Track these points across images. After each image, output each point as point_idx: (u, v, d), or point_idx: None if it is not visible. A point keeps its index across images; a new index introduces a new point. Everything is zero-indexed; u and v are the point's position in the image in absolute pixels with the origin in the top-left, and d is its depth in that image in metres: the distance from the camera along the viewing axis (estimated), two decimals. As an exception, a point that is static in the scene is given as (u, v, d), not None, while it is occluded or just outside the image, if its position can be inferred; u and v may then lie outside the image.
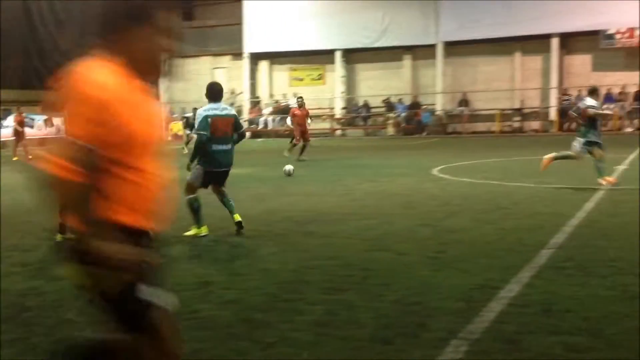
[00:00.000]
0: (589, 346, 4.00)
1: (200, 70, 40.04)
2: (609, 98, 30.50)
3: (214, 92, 7.86)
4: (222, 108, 7.89)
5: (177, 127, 38.34)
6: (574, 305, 4.77)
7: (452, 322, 4.46)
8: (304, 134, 19.03)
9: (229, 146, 7.87)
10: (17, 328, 4.61)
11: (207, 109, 7.76)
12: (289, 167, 14.67)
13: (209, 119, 7.61)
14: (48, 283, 5.79)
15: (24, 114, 24.54)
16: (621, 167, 13.76)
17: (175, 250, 7.07)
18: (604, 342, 4.06)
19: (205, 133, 7.61)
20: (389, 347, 4.11)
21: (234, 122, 7.90)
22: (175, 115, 39.35)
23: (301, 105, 19.72)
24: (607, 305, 4.74)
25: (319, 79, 37.60)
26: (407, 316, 4.67)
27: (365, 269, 6.05)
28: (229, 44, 39.01)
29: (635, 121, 30.48)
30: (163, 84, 40.17)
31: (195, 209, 7.67)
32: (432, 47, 33.85)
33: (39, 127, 33.75)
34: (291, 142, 19.55)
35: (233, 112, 8.05)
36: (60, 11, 35.69)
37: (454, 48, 33.67)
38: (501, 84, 33.03)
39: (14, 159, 21.67)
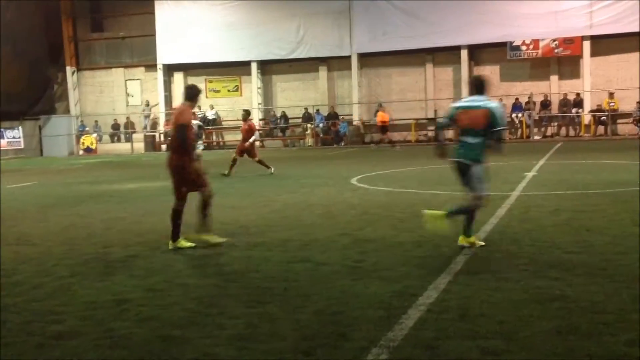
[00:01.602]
0: (505, 349, 4.11)
1: (113, 82, 39.11)
2: (516, 107, 31.77)
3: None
4: (473, 100, 7.11)
5: (90, 140, 37.30)
6: (489, 309, 4.90)
7: (372, 331, 4.50)
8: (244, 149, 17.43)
9: (473, 139, 6.94)
10: None
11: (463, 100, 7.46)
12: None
13: (456, 110, 7.14)
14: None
15: None
16: (530, 174, 14.33)
17: (88, 268, 6.86)
18: (519, 344, 4.19)
19: (445, 120, 7.28)
20: (311, 358, 4.11)
21: (488, 116, 6.89)
22: (87, 129, 38.26)
23: (245, 118, 17.81)
24: (520, 309, 4.89)
25: (236, 91, 37.41)
26: (328, 326, 4.67)
27: (286, 281, 6.04)
28: (142, 55, 38.28)
29: (542, 129, 31.88)
30: (75, 98, 39.03)
31: None
32: (347, 58, 34.34)
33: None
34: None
35: (489, 105, 6.96)
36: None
37: (368, 59, 34.30)
38: (415, 94, 33.87)
39: None
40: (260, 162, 17.24)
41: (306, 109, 35.02)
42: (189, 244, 7.73)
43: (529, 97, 31.51)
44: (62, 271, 6.78)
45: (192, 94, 8.02)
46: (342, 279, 6.02)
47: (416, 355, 4.07)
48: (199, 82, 37.72)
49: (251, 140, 17.45)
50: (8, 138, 35.87)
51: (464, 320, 4.68)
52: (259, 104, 36.23)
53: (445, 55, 33.11)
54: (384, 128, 29.67)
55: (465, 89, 33.17)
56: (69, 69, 39.07)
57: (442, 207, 10.07)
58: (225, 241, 7.89)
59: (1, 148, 34.64)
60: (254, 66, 35.81)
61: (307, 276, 6.19)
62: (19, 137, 36.54)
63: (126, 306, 5.37)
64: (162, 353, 4.27)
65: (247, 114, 18.15)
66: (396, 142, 29.30)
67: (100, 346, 4.44)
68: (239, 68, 36.32)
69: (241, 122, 18.22)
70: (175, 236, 7.77)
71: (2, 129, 35.37)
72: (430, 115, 33.58)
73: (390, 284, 5.73)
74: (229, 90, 37.55)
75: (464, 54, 32.74)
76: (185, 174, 7.68)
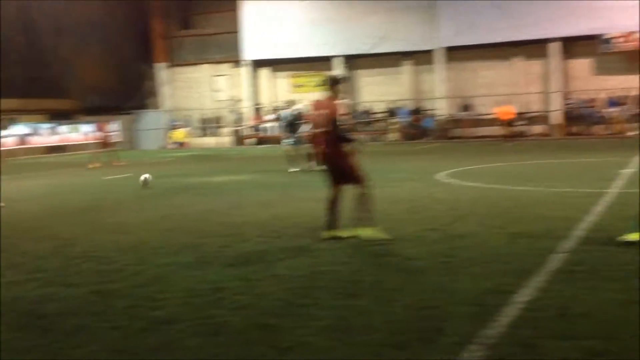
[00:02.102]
0: (606, 350, 4.00)
1: (200, 79, 40.14)
2: (611, 102, 30.56)
3: None
4: None
5: (180, 134, 38.43)
6: (588, 309, 4.77)
7: (467, 327, 4.46)
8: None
9: None
10: (35, 335, 4.63)
11: None
12: (145, 177, 14.56)
13: None
14: (64, 290, 5.83)
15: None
16: (627, 171, 13.77)
17: (183, 257, 7.09)
18: (620, 345, 4.06)
19: None
20: (405, 352, 4.11)
21: None
22: (178, 123, 39.42)
23: None
24: (620, 309, 4.74)
25: (321, 86, 37.62)
26: (421, 321, 4.66)
27: (376, 274, 6.06)
28: (228, 51, 39.08)
29: (637, 124, 30.56)
30: (166, 93, 40.30)
31: None
32: (432, 52, 33.95)
33: (44, 135, 34.07)
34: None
35: None
36: (59, 20, 35.79)
37: (453, 53, 33.78)
38: (503, 89, 33.12)
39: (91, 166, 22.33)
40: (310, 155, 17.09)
41: (390, 103, 34.88)
42: (345, 234, 7.64)
43: (623, 92, 30.24)
44: (159, 259, 7.04)
45: (334, 83, 7.92)
46: (432, 274, 5.99)
47: (514, 353, 4.01)
48: (284, 77, 38.27)
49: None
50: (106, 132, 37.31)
51: (563, 319, 4.57)
52: (343, 98, 36.28)
53: (534, 48, 32.24)
54: (510, 122, 29.05)
55: (555, 82, 32.27)
56: (160, 65, 40.38)
57: (532, 204, 9.84)
58: (389, 238, 7.55)
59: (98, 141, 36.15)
60: (338, 61, 35.93)
61: (397, 270, 6.19)
62: (116, 131, 38.05)
63: (222, 294, 5.53)
64: (259, 341, 4.38)
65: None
66: (512, 137, 28.65)
67: (199, 332, 4.59)
68: (323, 63, 36.49)
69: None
70: (330, 225, 7.68)
71: (100, 123, 36.81)
72: (519, 109, 32.79)
73: (483, 280, 5.66)
74: (313, 86, 37.84)
75: (554, 46, 31.79)
76: (340, 165, 7.57)
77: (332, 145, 7.54)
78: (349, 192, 7.80)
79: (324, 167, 7.79)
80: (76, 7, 36.03)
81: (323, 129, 7.61)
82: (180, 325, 4.75)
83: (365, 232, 7.59)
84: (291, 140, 17.28)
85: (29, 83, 34.02)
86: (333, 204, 7.72)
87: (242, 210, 10.65)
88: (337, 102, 7.73)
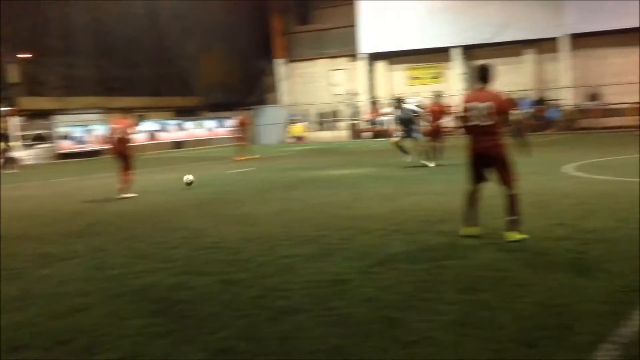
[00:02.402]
0: None
1: (317, 73, 40.67)
2: None
3: None
4: None
5: (298, 128, 39.13)
6: None
7: (600, 326, 4.27)
8: (436, 133, 16.65)
9: None
10: (169, 321, 4.88)
11: None
12: (188, 177, 14.55)
13: None
14: (195, 278, 6.11)
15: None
16: None
17: (306, 249, 7.23)
18: None
19: None
20: (534, 350, 3.99)
21: None
22: (296, 118, 40.16)
23: (435, 100, 17.33)
24: None
25: (438, 77, 37.13)
26: (550, 318, 4.51)
27: (500, 269, 5.91)
28: (345, 45, 39.34)
29: None
30: (284, 88, 41.15)
31: None
32: (555, 40, 32.58)
33: (171, 130, 35.87)
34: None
35: None
36: (185, 19, 37.41)
37: (580, 40, 32.25)
38: (633, 77, 31.24)
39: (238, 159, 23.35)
40: (435, 148, 16.38)
41: (512, 94, 33.81)
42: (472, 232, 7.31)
43: None
44: (283, 251, 7.21)
45: (486, 73, 7.34)
46: (561, 270, 5.76)
47: (652, 354, 3.80)
48: (401, 70, 38.04)
49: (441, 122, 16.57)
50: (227, 127, 38.80)
51: None
52: (463, 89, 35.62)
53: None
54: None
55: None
56: (279, 61, 41.28)
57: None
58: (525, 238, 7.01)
59: (222, 136, 37.69)
60: (456, 52, 35.27)
61: (524, 266, 6.01)
62: (237, 127, 39.34)
63: (344, 286, 5.59)
64: (382, 334, 4.39)
65: (437, 95, 17.57)
66: None
67: (323, 323, 4.67)
68: (440, 55, 36.00)
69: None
70: (469, 221, 7.38)
71: (222, 119, 38.37)
72: (652, 98, 30.92)
73: (616, 278, 5.38)
74: (431, 78, 37.38)
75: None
76: (496, 163, 7.13)
77: (493, 140, 7.06)
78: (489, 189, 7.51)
79: (473, 162, 7.28)
80: (201, 7, 37.52)
81: (486, 123, 7.04)
82: (304, 315, 4.85)
83: (513, 235, 6.99)
84: (406, 134, 16.95)
85: (158, 81, 35.87)
86: (473, 200, 7.39)
87: (361, 203, 10.71)
88: (498, 93, 7.24)
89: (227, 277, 6.12)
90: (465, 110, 7.21)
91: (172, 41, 36.62)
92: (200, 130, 37.69)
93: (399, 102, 17.56)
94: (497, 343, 4.12)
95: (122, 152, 13.23)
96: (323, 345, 4.22)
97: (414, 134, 16.91)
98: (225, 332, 4.55)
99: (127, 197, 12.91)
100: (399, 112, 17.28)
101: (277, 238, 7.99)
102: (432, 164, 16.28)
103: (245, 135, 25.24)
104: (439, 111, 16.85)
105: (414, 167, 16.40)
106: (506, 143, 7.20)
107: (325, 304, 5.11)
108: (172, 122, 36.64)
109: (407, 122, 16.91)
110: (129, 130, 13.40)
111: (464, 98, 7.38)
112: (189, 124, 37.09)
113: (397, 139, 17.22)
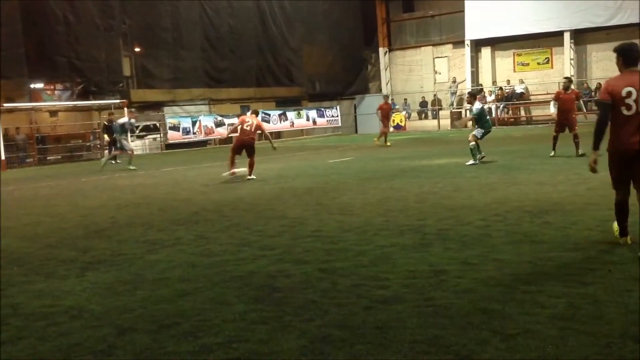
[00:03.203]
0: None
1: (421, 61, 40.18)
2: None
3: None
4: None
5: (399, 117, 38.83)
6: None
7: None
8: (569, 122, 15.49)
9: None
10: (269, 307, 4.99)
11: None
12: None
13: None
14: (294, 266, 6.21)
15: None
16: None
17: (405, 239, 7.19)
18: None
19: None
20: (643, 347, 3.81)
21: None
22: (397, 107, 39.89)
23: (567, 87, 15.85)
24: None
25: (546, 63, 35.82)
26: (661, 315, 4.28)
27: (608, 263, 5.67)
28: (449, 32, 38.66)
29: None
30: (386, 77, 40.97)
31: None
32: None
33: (274, 120, 36.50)
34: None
35: None
36: (289, 10, 37.94)
37: None
38: None
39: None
40: (576, 137, 15.27)
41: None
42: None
43: None
44: (382, 240, 7.20)
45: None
46: (676, 264, 5.45)
47: None
48: (507, 56, 36.97)
49: (574, 110, 15.60)
50: (327, 117, 39.15)
51: None
52: (572, 75, 34.21)
53: None
54: None
55: None
56: (381, 50, 41.08)
57: None
58: None
59: (322, 126, 38.03)
60: (566, 36, 33.87)
61: (632, 261, 5.71)
62: (337, 116, 39.63)
63: (444, 277, 5.53)
64: (482, 325, 4.30)
65: (569, 81, 16.27)
66: None
67: (421, 313, 4.63)
68: (549, 39, 34.69)
69: (550, 95, 17.01)
70: (621, 232, 6.36)
71: (322, 109, 38.72)
72: None
73: None
74: (538, 63, 36.13)
75: None
76: None
77: None
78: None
79: (619, 161, 6.37)
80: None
81: None
82: (402, 305, 4.83)
83: None
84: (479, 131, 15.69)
85: (262, 72, 36.59)
86: (623, 206, 6.24)
87: (462, 192, 10.53)
88: None
89: (326, 265, 6.19)
90: (615, 97, 5.99)
91: (276, 32, 37.22)
92: (300, 120, 38.16)
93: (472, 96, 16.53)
94: (602, 338, 3.96)
95: (250, 144, 14.89)
96: (421, 336, 4.19)
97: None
98: (322, 320, 4.60)
99: (252, 178, 14.64)
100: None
101: (376, 227, 7.99)
102: (551, 153, 15.43)
103: (386, 122, 25.41)
104: (569, 99, 15.56)
105: (521, 157, 15.91)
106: None
107: (424, 295, 5.07)
108: (275, 112, 37.29)
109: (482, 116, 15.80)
110: (260, 126, 15.19)
111: (609, 83, 6.17)
112: (290, 114, 37.64)
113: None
